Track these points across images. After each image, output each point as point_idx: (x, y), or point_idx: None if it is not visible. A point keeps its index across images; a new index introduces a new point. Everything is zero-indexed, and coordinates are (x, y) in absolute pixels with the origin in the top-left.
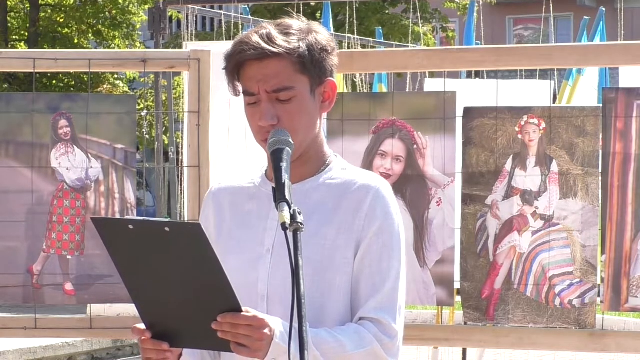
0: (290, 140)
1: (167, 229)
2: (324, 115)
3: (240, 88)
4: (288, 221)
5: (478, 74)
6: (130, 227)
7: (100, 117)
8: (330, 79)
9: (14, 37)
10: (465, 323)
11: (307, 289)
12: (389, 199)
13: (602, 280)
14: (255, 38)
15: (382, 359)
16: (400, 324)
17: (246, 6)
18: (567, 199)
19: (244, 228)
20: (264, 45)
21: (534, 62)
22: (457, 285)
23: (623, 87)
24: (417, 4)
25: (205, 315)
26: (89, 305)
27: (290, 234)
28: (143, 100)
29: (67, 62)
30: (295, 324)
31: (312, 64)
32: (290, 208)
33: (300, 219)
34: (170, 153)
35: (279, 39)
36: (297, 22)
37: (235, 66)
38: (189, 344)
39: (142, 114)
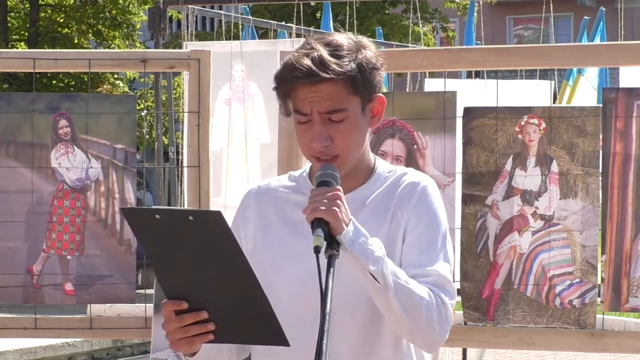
0: (337, 174)
1: (190, 217)
2: None
3: (291, 107)
4: (322, 246)
5: (478, 74)
6: (157, 216)
7: (100, 117)
8: (379, 94)
9: (14, 37)
10: (465, 323)
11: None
12: (435, 196)
13: (602, 280)
14: (307, 62)
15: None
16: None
17: (246, 6)
18: (567, 199)
19: (298, 237)
20: (315, 70)
21: (534, 62)
22: (457, 285)
23: (623, 87)
24: (417, 4)
25: (232, 308)
26: (89, 305)
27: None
28: (143, 101)
29: (67, 62)
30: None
31: (363, 84)
32: (325, 234)
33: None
34: (170, 153)
35: (332, 63)
36: (346, 40)
37: (288, 89)
38: (218, 338)
39: (142, 114)
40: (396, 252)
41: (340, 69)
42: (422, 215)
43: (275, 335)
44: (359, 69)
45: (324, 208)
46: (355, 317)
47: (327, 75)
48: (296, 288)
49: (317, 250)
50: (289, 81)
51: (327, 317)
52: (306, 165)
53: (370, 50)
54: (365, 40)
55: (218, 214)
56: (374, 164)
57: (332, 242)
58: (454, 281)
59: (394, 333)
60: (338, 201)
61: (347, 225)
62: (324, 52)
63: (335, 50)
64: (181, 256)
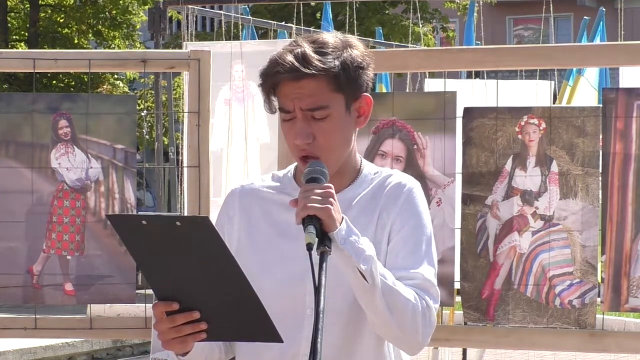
0: (326, 171)
1: (178, 223)
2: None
3: (275, 104)
4: (314, 243)
5: (478, 74)
6: (144, 222)
7: (100, 118)
8: (366, 94)
9: (14, 37)
10: (465, 323)
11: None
12: (420, 199)
13: (602, 280)
14: (290, 58)
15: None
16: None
17: (246, 6)
18: (567, 199)
19: (284, 239)
20: (298, 66)
21: (534, 62)
22: (457, 285)
23: (623, 87)
24: (417, 4)
25: (223, 307)
26: (89, 305)
27: (316, 255)
28: (143, 101)
29: (67, 62)
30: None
31: (347, 82)
32: (317, 231)
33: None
34: (170, 153)
35: (314, 59)
36: (332, 38)
37: (271, 85)
38: (210, 336)
39: (142, 114)
40: (381, 253)
41: (322, 65)
42: (407, 218)
43: (267, 333)
44: (342, 67)
45: (318, 205)
46: (337, 318)
47: (309, 71)
48: (283, 290)
49: (309, 247)
50: (272, 76)
51: (321, 315)
52: (290, 166)
53: (357, 49)
54: (353, 39)
55: (205, 219)
56: (360, 165)
57: (324, 239)
58: (454, 282)
59: (376, 334)
60: (331, 198)
61: (339, 223)
62: (308, 49)
63: (320, 47)
64: (170, 260)
